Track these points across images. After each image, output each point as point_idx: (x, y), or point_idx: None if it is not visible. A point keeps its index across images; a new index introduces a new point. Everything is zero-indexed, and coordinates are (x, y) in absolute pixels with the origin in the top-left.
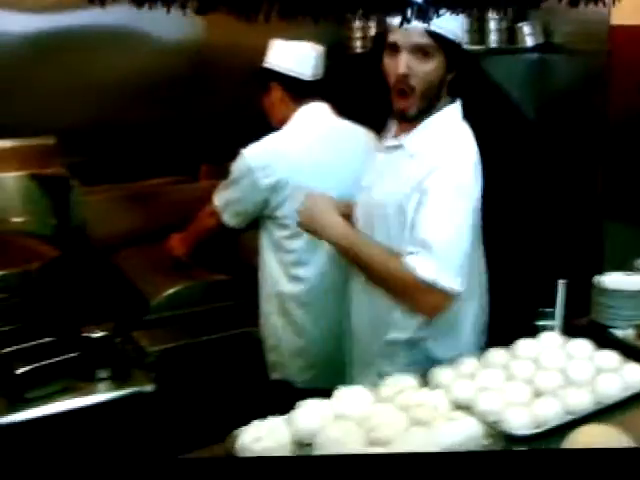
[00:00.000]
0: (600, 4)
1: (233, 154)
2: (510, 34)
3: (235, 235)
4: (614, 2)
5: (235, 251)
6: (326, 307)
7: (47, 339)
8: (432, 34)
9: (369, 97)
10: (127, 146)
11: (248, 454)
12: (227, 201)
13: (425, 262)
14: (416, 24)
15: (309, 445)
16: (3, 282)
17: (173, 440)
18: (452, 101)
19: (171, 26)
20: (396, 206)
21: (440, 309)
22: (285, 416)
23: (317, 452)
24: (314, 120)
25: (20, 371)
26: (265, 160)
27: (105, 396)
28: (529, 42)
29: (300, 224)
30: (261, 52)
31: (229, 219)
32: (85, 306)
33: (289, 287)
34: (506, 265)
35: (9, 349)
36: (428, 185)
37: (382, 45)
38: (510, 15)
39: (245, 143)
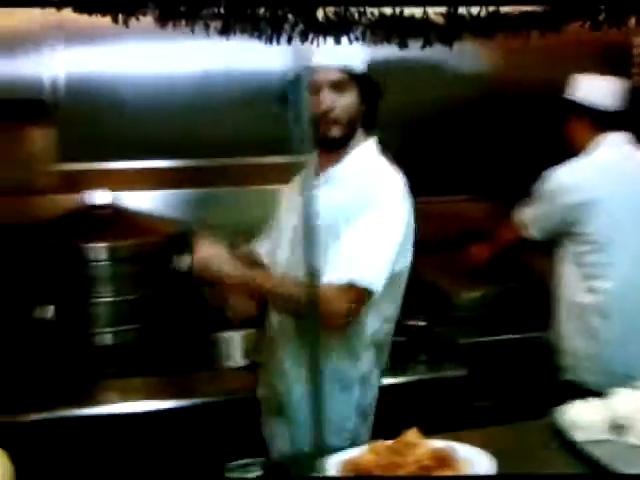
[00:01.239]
0: None
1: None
2: None
3: (528, 247)
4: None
5: (520, 261)
6: (622, 315)
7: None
8: (345, 70)
9: None
10: (429, 165)
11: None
12: (534, 217)
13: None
14: (331, 62)
15: (621, 427)
16: None
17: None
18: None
19: (468, 58)
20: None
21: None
22: (603, 400)
23: (629, 434)
24: (614, 147)
25: None
26: (573, 181)
27: (423, 376)
28: None
29: (199, 273)
30: (552, 83)
31: (535, 233)
32: None
33: (587, 298)
34: None
35: None
36: (355, 214)
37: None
38: None
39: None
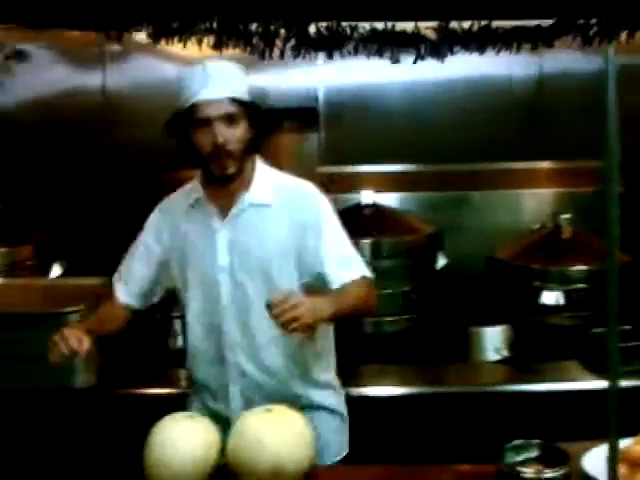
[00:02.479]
0: None
1: None
2: None
3: None
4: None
5: None
6: None
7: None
8: (236, 102)
9: None
10: None
11: None
12: None
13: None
14: (221, 94)
15: None
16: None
17: None
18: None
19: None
20: (281, 255)
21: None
22: None
23: None
24: None
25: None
26: None
27: None
28: None
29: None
30: None
31: None
32: None
33: None
34: None
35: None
36: (310, 221)
37: (189, 122)
38: None
39: None
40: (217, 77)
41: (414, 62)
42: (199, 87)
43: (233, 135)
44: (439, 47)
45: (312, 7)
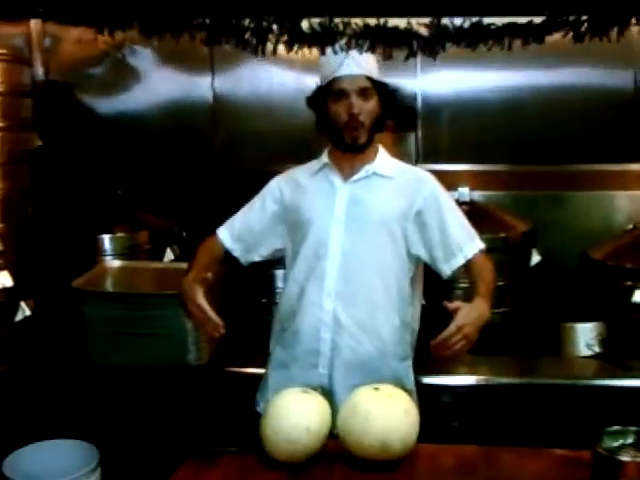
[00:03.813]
0: None
1: None
2: None
3: None
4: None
5: None
6: None
7: None
8: (370, 79)
9: None
10: None
11: None
12: None
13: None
14: (358, 72)
15: None
16: None
17: None
18: None
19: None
20: (396, 221)
21: None
22: None
23: None
24: None
25: None
26: None
27: None
28: None
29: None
30: None
31: None
32: None
33: None
34: None
35: None
36: (430, 196)
37: (328, 94)
38: None
39: None
40: (354, 57)
41: (406, 58)
42: (339, 64)
43: (366, 107)
44: (431, 43)
45: (305, 3)
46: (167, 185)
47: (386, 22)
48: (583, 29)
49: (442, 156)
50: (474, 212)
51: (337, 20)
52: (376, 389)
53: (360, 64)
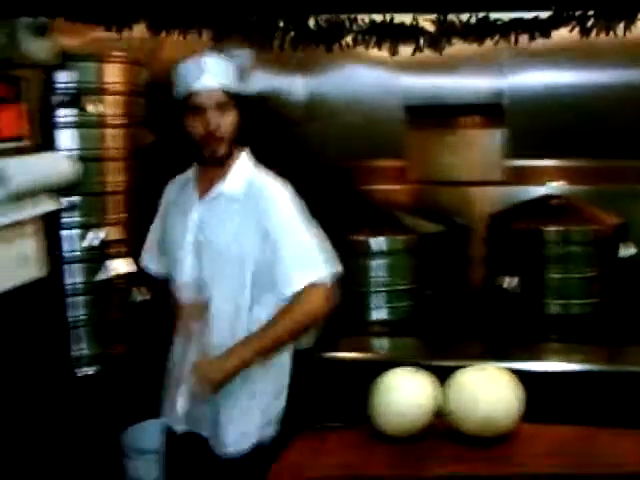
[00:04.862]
0: None
1: None
2: None
3: None
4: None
5: None
6: None
7: None
8: (227, 92)
9: None
10: None
11: None
12: None
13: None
14: (215, 85)
15: None
16: None
17: None
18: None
19: None
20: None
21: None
22: None
23: None
24: None
25: None
26: None
27: None
28: None
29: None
30: None
31: None
32: None
33: None
34: None
35: None
36: (272, 222)
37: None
38: None
39: None
40: (211, 69)
41: (412, 54)
42: (195, 78)
43: (224, 122)
44: (437, 39)
45: (311, 0)
46: None
47: (392, 18)
48: (589, 24)
49: (530, 152)
50: (564, 207)
51: (343, 17)
52: (482, 369)
53: (217, 76)
